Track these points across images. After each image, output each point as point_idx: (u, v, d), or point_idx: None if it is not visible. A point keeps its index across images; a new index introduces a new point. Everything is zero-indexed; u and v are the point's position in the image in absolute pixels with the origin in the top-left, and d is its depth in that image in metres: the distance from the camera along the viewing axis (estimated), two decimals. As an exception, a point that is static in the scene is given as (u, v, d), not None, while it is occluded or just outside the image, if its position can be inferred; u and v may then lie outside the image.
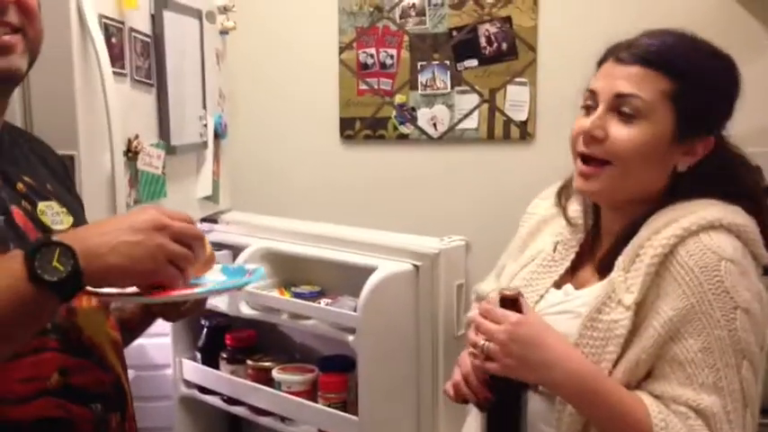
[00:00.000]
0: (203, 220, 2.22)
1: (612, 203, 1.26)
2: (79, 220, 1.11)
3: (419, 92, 2.41)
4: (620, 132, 1.18)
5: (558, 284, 1.30)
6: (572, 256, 1.32)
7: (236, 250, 2.15)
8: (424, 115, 2.43)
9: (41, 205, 1.03)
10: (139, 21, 1.68)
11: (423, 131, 2.43)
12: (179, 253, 0.90)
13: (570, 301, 1.25)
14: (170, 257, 0.89)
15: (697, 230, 1.12)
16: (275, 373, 2.06)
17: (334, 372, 1.99)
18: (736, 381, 1.07)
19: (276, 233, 2.18)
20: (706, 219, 1.13)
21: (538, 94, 2.32)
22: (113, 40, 1.57)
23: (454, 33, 2.37)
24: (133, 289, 0.97)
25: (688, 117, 1.17)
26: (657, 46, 1.20)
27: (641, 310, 1.13)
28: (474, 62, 2.36)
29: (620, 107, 1.19)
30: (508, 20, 2.31)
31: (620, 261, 1.18)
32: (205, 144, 2.07)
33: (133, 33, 1.66)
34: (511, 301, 1.15)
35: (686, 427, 1.06)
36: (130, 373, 1.22)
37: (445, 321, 1.94)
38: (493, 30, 2.33)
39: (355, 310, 1.84)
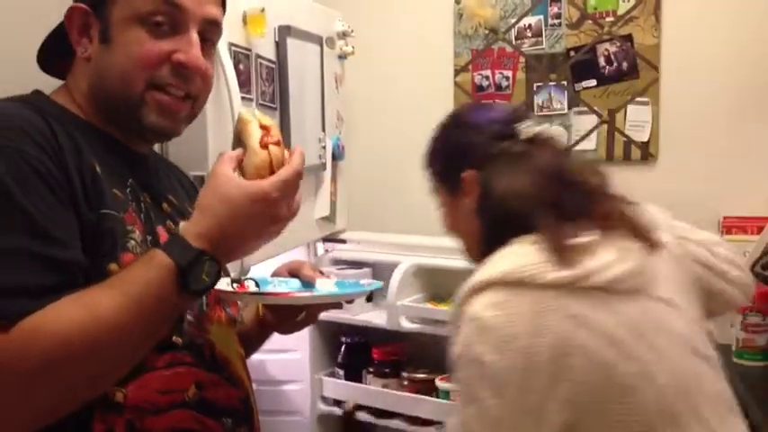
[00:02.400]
0: (324, 240, 2.28)
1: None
2: None
3: (535, 113, 2.39)
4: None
5: None
6: None
7: (375, 268, 2.22)
8: (540, 136, 2.40)
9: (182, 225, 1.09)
10: (265, 48, 1.76)
11: (539, 153, 2.40)
12: (288, 212, 0.95)
13: None
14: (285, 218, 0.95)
15: (462, 303, 1.04)
16: (440, 383, 2.07)
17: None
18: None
19: (416, 249, 2.22)
20: (467, 287, 1.04)
21: (660, 114, 2.24)
22: (241, 66, 1.65)
23: (572, 53, 2.33)
24: (252, 288, 1.02)
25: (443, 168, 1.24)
26: None
27: None
28: (592, 82, 2.32)
29: None
30: (629, 38, 2.26)
31: None
32: (323, 165, 2.12)
33: (259, 60, 1.73)
34: None
35: None
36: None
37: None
38: (613, 49, 2.28)
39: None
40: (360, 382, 2.24)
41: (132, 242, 0.94)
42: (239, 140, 0.97)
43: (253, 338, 1.27)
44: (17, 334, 0.79)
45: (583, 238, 1.03)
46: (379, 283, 1.15)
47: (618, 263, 1.02)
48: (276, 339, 1.33)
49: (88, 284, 0.86)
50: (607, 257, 1.02)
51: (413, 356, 2.25)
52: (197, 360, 1.01)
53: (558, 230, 1.03)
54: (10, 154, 0.84)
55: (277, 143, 0.95)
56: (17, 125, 0.88)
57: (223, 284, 1.05)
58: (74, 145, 0.91)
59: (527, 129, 1.17)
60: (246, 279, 1.14)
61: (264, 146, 0.94)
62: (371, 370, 2.22)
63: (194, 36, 0.98)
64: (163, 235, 1.01)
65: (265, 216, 0.91)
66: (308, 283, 1.17)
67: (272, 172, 0.93)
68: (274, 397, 2.33)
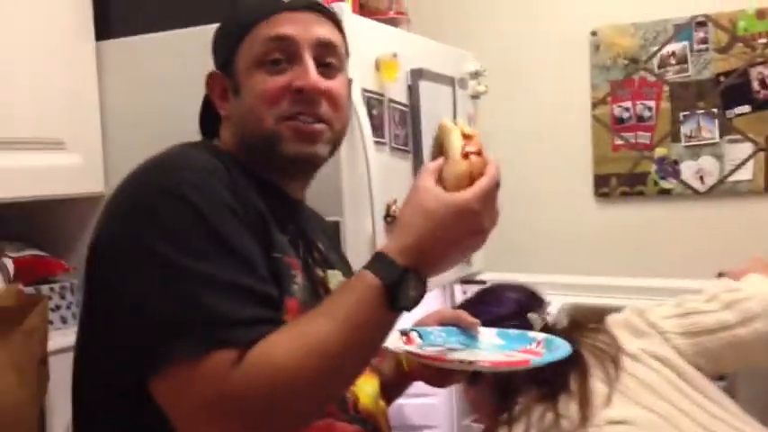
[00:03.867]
0: (462, 281, 2.23)
1: None
2: None
3: (682, 143, 2.26)
4: None
5: None
6: None
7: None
8: (688, 168, 2.26)
9: (329, 273, 1.08)
10: (397, 92, 1.76)
11: (687, 186, 2.26)
12: (490, 223, 0.93)
13: None
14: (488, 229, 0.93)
15: None
16: None
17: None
18: None
19: (564, 288, 2.13)
20: None
21: (826, 139, 2.06)
22: (374, 111, 1.66)
23: (721, 79, 2.19)
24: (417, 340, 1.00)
25: None
26: None
27: None
28: (746, 108, 2.16)
29: None
30: (785, 59, 2.10)
31: None
32: (459, 206, 2.09)
33: (392, 104, 1.74)
34: None
35: None
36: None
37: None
38: (767, 72, 2.12)
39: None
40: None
41: (296, 286, 0.95)
42: (440, 149, 0.95)
43: (393, 388, 1.24)
44: (244, 368, 0.81)
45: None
46: (566, 347, 1.06)
47: None
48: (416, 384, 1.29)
49: None
50: None
51: None
52: (341, 412, 1.00)
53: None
54: (209, 195, 0.88)
55: (478, 152, 0.93)
56: (208, 168, 0.92)
57: (393, 338, 1.02)
58: (246, 188, 0.95)
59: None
60: (411, 330, 1.11)
61: (465, 155, 0.92)
62: None
63: (309, 61, 1.00)
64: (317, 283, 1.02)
65: (468, 228, 0.89)
66: (469, 333, 1.13)
67: (472, 182, 0.91)
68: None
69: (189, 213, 0.86)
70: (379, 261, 0.87)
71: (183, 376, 0.81)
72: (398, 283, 0.84)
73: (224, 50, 1.03)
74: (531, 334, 1.14)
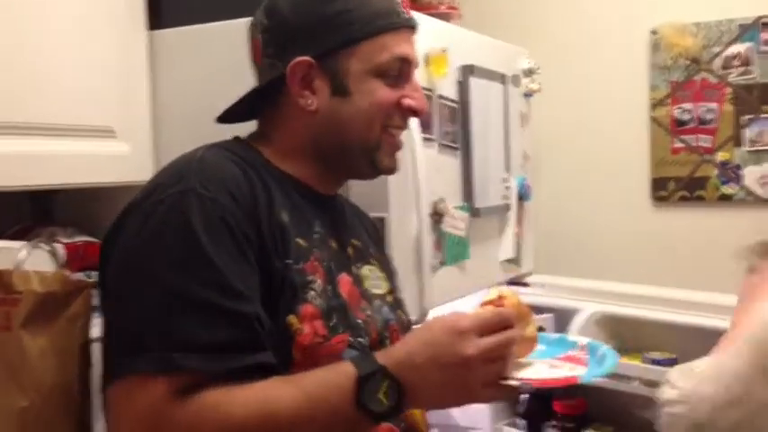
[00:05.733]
0: (509, 283, 2.19)
1: None
2: (393, 285, 1.14)
3: (745, 148, 2.17)
4: None
5: None
6: None
7: (557, 314, 2.09)
8: (751, 173, 2.17)
9: (365, 269, 1.08)
10: (447, 88, 1.73)
11: (750, 192, 2.17)
12: (493, 375, 0.88)
13: None
14: (485, 382, 0.87)
15: None
16: None
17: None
18: None
19: (601, 296, 2.07)
20: None
21: None
22: (423, 107, 1.63)
23: (788, 82, 2.10)
24: None
25: None
26: None
27: None
28: (814, 112, 2.07)
29: None
30: None
31: None
32: (508, 206, 2.05)
33: (441, 100, 1.71)
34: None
35: None
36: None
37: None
38: (838, 74, 2.03)
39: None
40: (540, 434, 2.12)
41: (312, 293, 0.94)
42: None
43: None
44: (195, 406, 0.82)
45: None
46: (613, 355, 1.01)
47: None
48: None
49: (269, 338, 0.88)
50: None
51: (596, 412, 2.09)
52: None
53: None
54: (206, 204, 0.89)
55: (499, 305, 0.95)
56: (218, 176, 0.92)
57: None
58: (267, 196, 0.95)
59: None
60: None
61: (483, 304, 0.96)
62: (554, 423, 2.09)
63: (417, 82, 1.07)
64: (345, 282, 1.00)
65: (454, 350, 0.86)
66: None
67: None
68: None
69: (183, 232, 0.87)
70: (366, 356, 0.89)
71: (129, 392, 0.83)
72: (369, 378, 0.84)
73: (326, 42, 1.00)
74: (572, 338, 1.10)
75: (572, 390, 2.03)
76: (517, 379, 0.90)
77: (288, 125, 1.04)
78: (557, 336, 1.13)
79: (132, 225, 0.91)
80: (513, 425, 2.20)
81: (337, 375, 0.86)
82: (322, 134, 1.02)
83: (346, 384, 0.85)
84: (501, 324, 0.88)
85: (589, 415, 2.09)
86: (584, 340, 1.06)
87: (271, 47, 1.03)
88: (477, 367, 0.86)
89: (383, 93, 1.02)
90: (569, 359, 1.02)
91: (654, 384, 1.78)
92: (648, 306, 1.94)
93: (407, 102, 1.04)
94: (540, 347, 1.02)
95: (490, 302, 0.95)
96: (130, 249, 0.90)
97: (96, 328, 1.29)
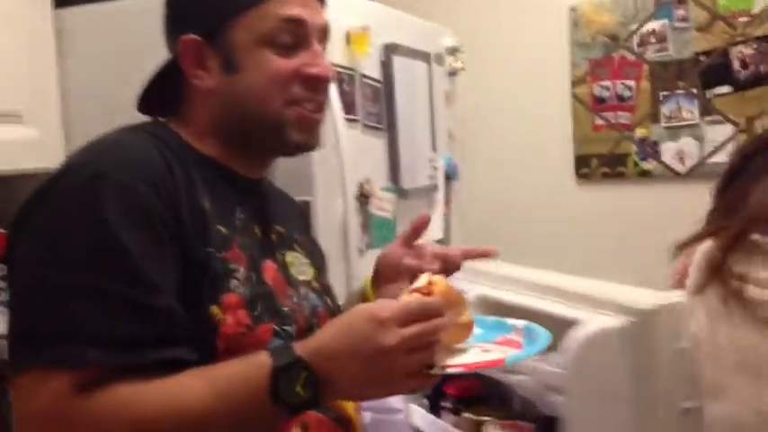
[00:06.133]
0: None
1: None
2: (320, 271, 1.11)
3: (662, 124, 2.22)
4: None
5: None
6: None
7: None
8: (668, 150, 2.23)
9: (290, 256, 1.04)
10: (370, 67, 1.71)
11: (667, 167, 2.23)
12: (416, 364, 0.84)
13: None
14: (407, 373, 0.84)
15: None
16: (487, 428, 1.94)
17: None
18: None
19: (493, 279, 2.08)
20: None
21: (807, 120, 2.03)
22: (345, 87, 1.60)
23: (702, 58, 2.15)
24: None
25: None
26: None
27: None
28: (726, 89, 2.13)
29: None
30: (766, 39, 2.06)
31: None
32: (435, 186, 2.05)
33: (364, 80, 1.69)
34: None
35: None
36: (367, 415, 1.19)
37: (665, 392, 1.65)
38: (748, 51, 2.09)
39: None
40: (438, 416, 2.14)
41: (235, 281, 0.90)
42: None
43: None
44: (99, 403, 0.78)
45: None
46: (547, 336, 1.00)
47: None
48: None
49: (189, 331, 0.84)
50: None
51: (486, 396, 2.12)
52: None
53: None
54: (120, 190, 0.84)
55: (429, 292, 0.91)
56: (133, 160, 0.87)
57: None
58: (187, 181, 0.90)
59: None
60: None
61: (411, 291, 0.92)
62: (447, 405, 2.11)
63: (318, 48, 0.98)
64: (269, 269, 0.97)
65: (374, 340, 0.82)
66: None
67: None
68: (392, 426, 2.26)
69: (94, 220, 0.82)
70: (284, 346, 0.85)
71: (31, 387, 0.80)
72: (285, 370, 0.81)
73: (208, 18, 0.96)
74: (511, 321, 1.10)
75: (470, 374, 2.04)
76: (441, 367, 0.89)
77: (194, 106, 0.99)
78: (494, 319, 1.12)
79: (40, 212, 0.86)
80: (423, 405, 2.22)
81: (251, 367, 0.82)
82: (223, 114, 0.97)
83: (261, 376, 0.81)
84: (425, 312, 0.85)
85: (481, 397, 2.11)
86: (521, 323, 1.06)
87: (166, 28, 0.99)
88: (399, 357, 0.82)
89: (275, 63, 0.94)
90: (505, 342, 1.02)
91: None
92: (532, 293, 1.92)
93: (306, 70, 0.95)
94: (477, 332, 1.02)
95: (418, 290, 0.93)
96: (37, 238, 0.85)
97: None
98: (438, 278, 0.95)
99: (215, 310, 0.87)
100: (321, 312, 1.04)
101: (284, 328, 0.94)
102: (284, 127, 0.96)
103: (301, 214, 1.24)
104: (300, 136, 0.97)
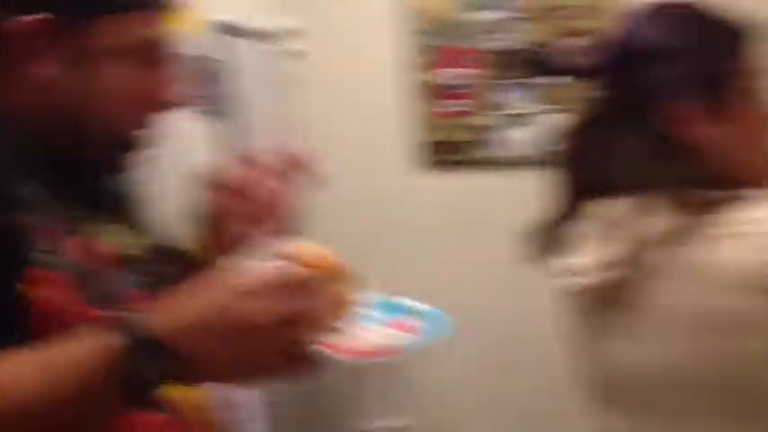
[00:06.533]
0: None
1: None
2: (150, 248, 1.03)
3: (500, 112, 2.27)
4: None
5: None
6: None
7: None
8: (507, 138, 2.28)
9: (112, 229, 0.96)
10: (202, 47, 1.62)
11: (506, 156, 2.28)
12: (286, 342, 0.74)
13: None
14: (276, 351, 0.74)
15: None
16: None
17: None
18: None
19: None
20: None
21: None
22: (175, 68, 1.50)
23: (536, 48, 2.22)
24: None
25: None
26: None
27: None
28: (559, 79, 2.20)
29: None
30: (598, 31, 2.15)
31: None
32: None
33: (199, 62, 1.59)
34: None
35: None
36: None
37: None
38: (581, 43, 2.18)
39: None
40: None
41: (49, 256, 0.81)
42: None
43: None
44: None
45: None
46: (442, 328, 0.95)
47: None
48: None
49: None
50: None
51: None
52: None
53: None
54: None
55: (309, 264, 0.80)
56: None
57: None
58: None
59: None
60: None
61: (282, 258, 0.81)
62: None
63: (168, 71, 0.95)
64: (85, 245, 0.89)
65: (238, 313, 0.72)
66: None
67: None
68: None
69: None
70: (127, 321, 0.72)
71: None
72: (134, 348, 0.69)
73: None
74: (410, 303, 1.03)
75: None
76: (317, 345, 0.79)
77: (10, 93, 0.89)
78: (394, 300, 1.05)
79: None
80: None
81: (91, 347, 0.71)
82: (53, 108, 0.89)
83: (103, 357, 0.70)
84: (298, 283, 0.75)
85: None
86: (422, 307, 0.99)
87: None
88: (267, 333, 0.73)
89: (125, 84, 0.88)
90: (400, 326, 0.96)
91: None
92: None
93: (159, 94, 0.92)
94: (372, 313, 0.94)
95: (286, 256, 0.82)
96: None
97: None
98: (315, 246, 0.85)
99: (25, 287, 0.77)
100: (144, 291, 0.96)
101: (110, 304, 0.84)
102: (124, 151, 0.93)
103: (129, 197, 1.15)
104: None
